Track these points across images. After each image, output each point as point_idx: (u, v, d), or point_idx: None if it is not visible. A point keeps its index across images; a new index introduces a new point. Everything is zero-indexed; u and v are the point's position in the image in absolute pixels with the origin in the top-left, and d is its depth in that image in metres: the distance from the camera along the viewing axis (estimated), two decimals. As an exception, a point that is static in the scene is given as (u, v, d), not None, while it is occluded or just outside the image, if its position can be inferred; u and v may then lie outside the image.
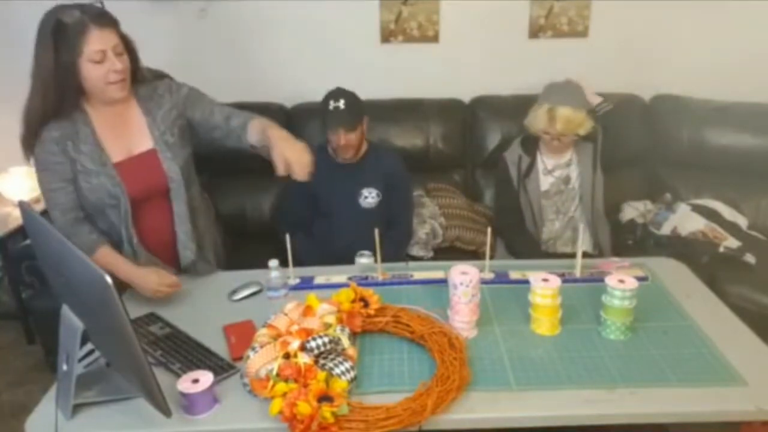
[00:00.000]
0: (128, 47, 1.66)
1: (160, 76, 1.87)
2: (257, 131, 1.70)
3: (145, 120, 1.73)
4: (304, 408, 1.17)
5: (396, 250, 2.30)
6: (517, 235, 2.34)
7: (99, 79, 1.58)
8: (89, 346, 1.43)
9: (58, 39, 1.53)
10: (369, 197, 2.22)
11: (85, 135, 1.65)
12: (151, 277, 1.67)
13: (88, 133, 1.66)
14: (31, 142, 1.65)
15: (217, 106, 1.83)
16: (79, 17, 1.53)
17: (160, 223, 1.79)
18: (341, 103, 2.08)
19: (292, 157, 1.54)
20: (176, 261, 1.83)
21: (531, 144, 2.32)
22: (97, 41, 1.53)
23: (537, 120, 2.20)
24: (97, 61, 1.55)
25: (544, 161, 2.30)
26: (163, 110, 1.75)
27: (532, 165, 2.30)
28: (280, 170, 1.55)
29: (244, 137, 1.74)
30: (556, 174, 2.29)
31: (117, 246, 1.73)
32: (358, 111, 2.13)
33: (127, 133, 1.71)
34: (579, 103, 2.17)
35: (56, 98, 1.59)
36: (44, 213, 1.68)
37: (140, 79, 1.73)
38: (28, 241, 2.65)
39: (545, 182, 2.31)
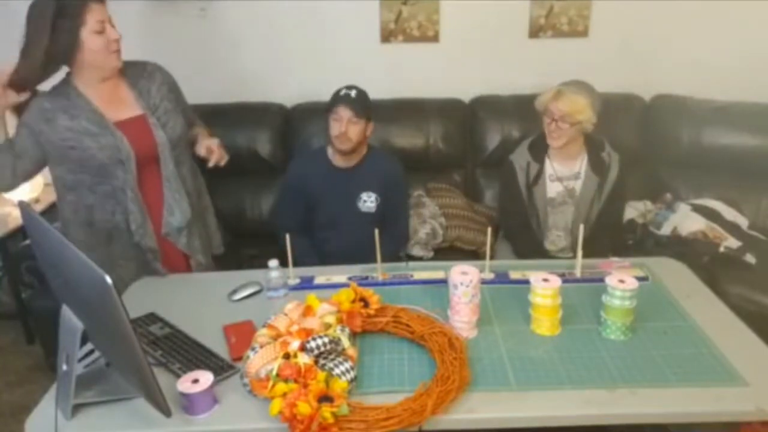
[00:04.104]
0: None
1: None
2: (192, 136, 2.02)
3: (132, 93, 1.85)
4: (304, 408, 1.17)
5: (394, 248, 2.30)
6: (525, 239, 2.32)
7: (103, 47, 1.70)
8: (89, 346, 1.43)
9: (62, 11, 1.64)
10: (368, 201, 2.21)
11: (81, 104, 1.76)
12: None
13: (84, 103, 1.76)
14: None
15: (189, 110, 2.04)
16: None
17: (154, 198, 1.87)
18: (353, 92, 2.09)
19: (212, 144, 1.91)
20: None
21: (539, 150, 2.28)
22: (97, 13, 1.68)
23: (543, 97, 2.19)
24: (100, 32, 1.68)
25: (554, 167, 2.27)
26: (156, 84, 1.89)
27: (540, 172, 2.27)
28: (203, 152, 1.92)
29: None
30: (564, 183, 2.27)
31: (122, 212, 1.82)
32: (367, 105, 2.11)
33: (116, 102, 1.82)
34: (589, 94, 2.15)
35: (53, 59, 1.69)
36: (44, 213, 1.69)
37: None
38: (28, 241, 2.65)
39: (552, 189, 2.28)
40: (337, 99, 2.09)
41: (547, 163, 2.28)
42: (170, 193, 1.88)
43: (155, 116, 1.84)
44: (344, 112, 2.06)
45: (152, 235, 1.87)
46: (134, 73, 1.87)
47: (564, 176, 2.27)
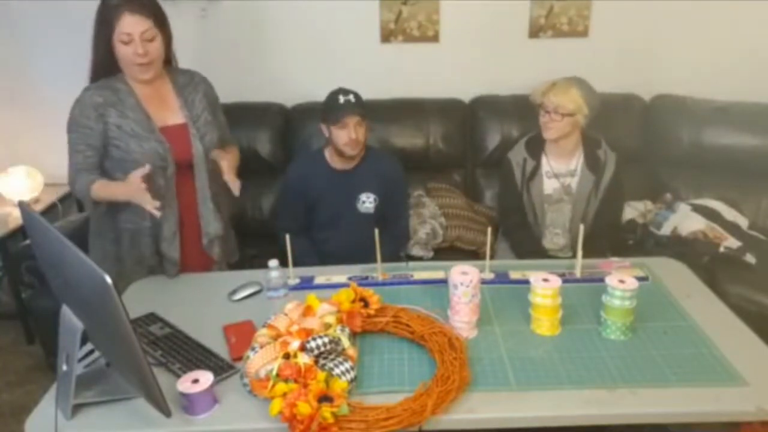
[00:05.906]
0: (165, 35, 1.80)
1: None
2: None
3: (178, 100, 1.87)
4: (304, 408, 1.17)
5: (395, 248, 2.30)
6: (522, 235, 2.33)
7: (126, 57, 1.74)
8: (89, 346, 1.43)
9: (102, 14, 1.73)
10: (367, 202, 2.21)
11: (131, 104, 1.79)
12: (128, 183, 1.71)
13: (134, 102, 1.79)
14: None
15: (225, 128, 2.05)
16: (118, 1, 1.70)
17: (188, 202, 1.89)
18: (351, 97, 2.08)
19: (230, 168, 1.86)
20: (200, 240, 1.94)
21: (536, 146, 2.30)
22: (126, 25, 1.69)
23: (537, 89, 2.23)
24: (125, 42, 1.71)
25: (550, 164, 2.28)
26: (199, 95, 1.92)
27: (536, 168, 2.28)
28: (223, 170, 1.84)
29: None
30: (560, 180, 2.28)
31: (151, 218, 1.82)
32: (364, 104, 2.12)
33: (162, 105, 1.85)
34: (582, 87, 2.17)
35: (101, 60, 1.78)
36: (44, 213, 1.69)
37: (173, 65, 1.92)
38: (28, 241, 2.64)
39: (548, 186, 2.29)
40: (341, 108, 2.06)
41: (544, 159, 2.29)
42: (204, 204, 1.90)
43: (195, 127, 1.86)
44: (351, 119, 2.06)
45: (178, 247, 1.87)
46: (182, 80, 1.90)
47: (560, 173, 2.28)
